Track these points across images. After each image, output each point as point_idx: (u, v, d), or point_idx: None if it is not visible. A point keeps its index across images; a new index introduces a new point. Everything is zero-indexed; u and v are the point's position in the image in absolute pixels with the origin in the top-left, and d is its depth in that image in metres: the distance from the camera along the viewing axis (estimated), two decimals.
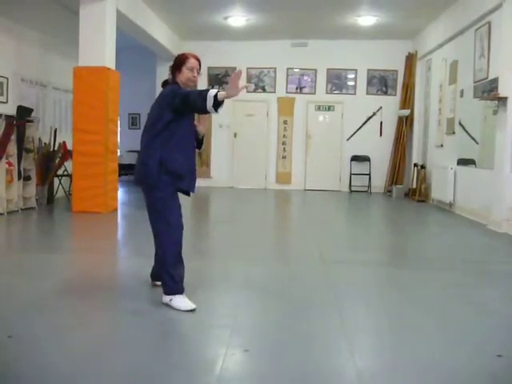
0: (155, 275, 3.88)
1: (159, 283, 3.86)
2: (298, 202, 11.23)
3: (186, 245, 3.79)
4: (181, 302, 3.46)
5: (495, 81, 7.42)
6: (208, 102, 3.18)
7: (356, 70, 12.84)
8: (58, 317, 3.30)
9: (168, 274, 3.49)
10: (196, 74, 3.58)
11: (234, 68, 12.93)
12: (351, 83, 12.93)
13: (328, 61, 12.77)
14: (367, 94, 12.85)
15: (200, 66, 3.62)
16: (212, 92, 3.18)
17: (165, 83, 3.68)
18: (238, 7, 10.17)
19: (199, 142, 3.79)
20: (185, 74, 3.54)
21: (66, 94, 9.74)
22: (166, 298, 3.51)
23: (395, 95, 12.72)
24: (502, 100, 7.01)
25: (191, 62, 3.56)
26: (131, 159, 12.83)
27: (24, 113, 8.17)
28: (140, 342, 2.95)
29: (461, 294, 4.09)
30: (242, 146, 13.17)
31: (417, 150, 11.96)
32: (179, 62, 3.56)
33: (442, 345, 2.99)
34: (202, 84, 13.02)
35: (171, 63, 3.65)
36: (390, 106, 12.66)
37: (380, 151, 12.65)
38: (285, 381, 2.49)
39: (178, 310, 3.41)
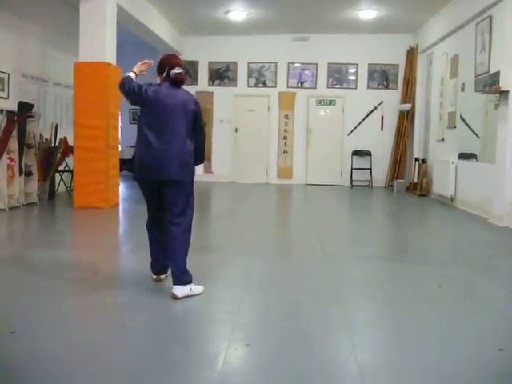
0: (162, 269, 3.90)
1: (163, 277, 3.88)
2: (300, 196, 11.23)
3: None
4: (197, 287, 3.66)
5: (496, 75, 7.40)
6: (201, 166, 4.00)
7: (357, 65, 12.81)
8: (59, 312, 3.31)
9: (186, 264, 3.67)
10: None
11: (235, 63, 12.95)
12: (352, 77, 12.91)
13: (329, 55, 12.74)
14: (368, 88, 12.83)
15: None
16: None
17: (182, 77, 3.77)
18: (239, 2, 10.14)
19: None
20: None
21: (66, 90, 9.73)
22: (186, 289, 3.56)
23: (396, 89, 12.69)
24: (504, 94, 7.00)
25: None
26: (132, 154, 12.75)
27: (25, 108, 8.16)
28: (142, 337, 2.97)
29: (462, 289, 4.10)
30: (243, 140, 13.16)
31: (418, 144, 11.94)
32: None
33: (443, 339, 2.99)
34: (203, 78, 13.05)
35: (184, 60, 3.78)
36: (391, 100, 12.63)
37: (381, 146, 12.64)
38: (286, 375, 2.50)
39: (198, 294, 3.62)
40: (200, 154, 3.83)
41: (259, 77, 13.12)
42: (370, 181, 12.62)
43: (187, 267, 3.63)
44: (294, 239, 6.38)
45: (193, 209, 3.77)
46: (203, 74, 13.07)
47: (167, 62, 3.73)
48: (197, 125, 3.73)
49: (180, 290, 3.53)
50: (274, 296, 3.78)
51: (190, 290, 3.58)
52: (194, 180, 3.76)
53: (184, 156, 3.61)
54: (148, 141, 3.61)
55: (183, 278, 3.57)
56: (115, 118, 8.37)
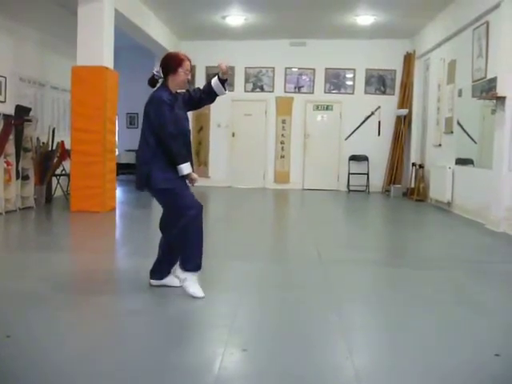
0: (154, 272, 3.86)
1: (156, 283, 3.85)
2: (297, 201, 11.23)
3: None
4: (194, 288, 3.59)
5: (493, 80, 7.43)
6: (183, 168, 3.47)
7: (354, 70, 12.84)
8: (56, 316, 3.30)
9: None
10: (190, 77, 3.66)
11: (233, 67, 12.97)
12: (349, 83, 12.93)
13: (326, 60, 12.77)
14: (365, 93, 12.85)
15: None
16: (187, 169, 3.50)
17: (153, 81, 3.63)
18: (237, 6, 10.17)
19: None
20: (181, 77, 3.59)
21: (64, 94, 9.73)
22: (182, 275, 3.60)
23: (393, 95, 12.72)
24: (501, 99, 7.02)
25: (187, 64, 3.61)
26: (129, 158, 12.80)
27: (22, 112, 8.16)
28: (138, 342, 2.95)
29: (459, 294, 4.09)
30: (241, 145, 13.17)
31: (415, 149, 11.96)
32: (175, 64, 3.56)
33: (440, 344, 2.99)
34: (200, 83, 13.03)
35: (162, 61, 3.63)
36: (388, 105, 12.66)
37: (378, 151, 12.65)
38: (283, 380, 2.49)
39: (188, 294, 3.59)
40: (169, 155, 3.49)
41: (256, 81, 13.14)
42: (367, 186, 12.63)
43: (192, 260, 3.60)
44: (291, 244, 6.38)
45: (181, 213, 3.54)
46: (200, 79, 13.07)
47: None
48: (153, 125, 3.49)
49: (180, 272, 3.62)
50: (271, 301, 3.77)
51: (184, 279, 3.59)
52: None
53: (139, 164, 3.63)
54: None
55: (183, 263, 3.60)
56: (112, 122, 8.36)
